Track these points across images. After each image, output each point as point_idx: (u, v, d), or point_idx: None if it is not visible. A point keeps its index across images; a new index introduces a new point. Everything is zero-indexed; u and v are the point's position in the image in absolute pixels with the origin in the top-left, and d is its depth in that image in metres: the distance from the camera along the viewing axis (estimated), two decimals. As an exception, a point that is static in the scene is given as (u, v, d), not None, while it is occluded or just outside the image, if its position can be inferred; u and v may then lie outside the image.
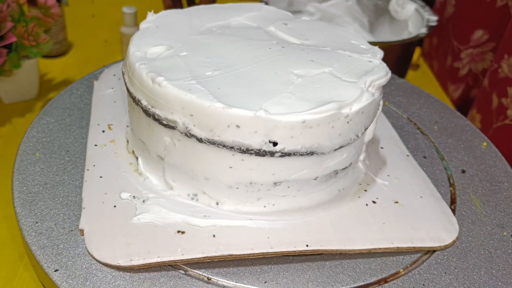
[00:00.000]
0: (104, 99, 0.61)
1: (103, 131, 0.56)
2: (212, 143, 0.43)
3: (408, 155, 0.58)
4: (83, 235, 0.44)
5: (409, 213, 0.50)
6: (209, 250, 0.43)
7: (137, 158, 0.51)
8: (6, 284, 0.48)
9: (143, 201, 0.47)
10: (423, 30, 0.79)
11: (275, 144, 0.42)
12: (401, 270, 0.45)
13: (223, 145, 0.42)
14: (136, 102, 0.46)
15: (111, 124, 0.57)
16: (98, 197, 0.47)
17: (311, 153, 0.44)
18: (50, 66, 0.82)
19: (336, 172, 0.48)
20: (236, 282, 0.42)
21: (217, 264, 0.44)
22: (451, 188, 0.55)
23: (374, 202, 0.50)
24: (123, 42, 0.83)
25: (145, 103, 0.45)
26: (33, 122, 0.57)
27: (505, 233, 0.50)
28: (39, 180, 0.49)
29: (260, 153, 0.43)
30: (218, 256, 0.43)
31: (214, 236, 0.44)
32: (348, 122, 0.44)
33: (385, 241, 0.46)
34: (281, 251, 0.44)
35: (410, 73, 0.92)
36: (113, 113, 0.58)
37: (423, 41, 0.81)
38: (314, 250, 0.45)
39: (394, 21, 0.89)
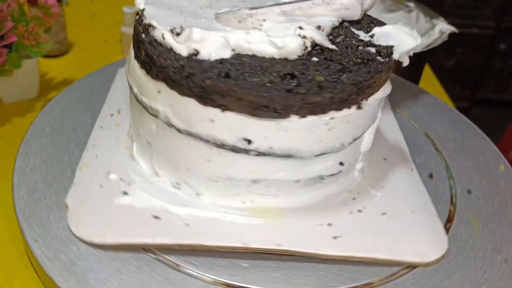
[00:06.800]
0: (123, 85, 0.60)
1: (112, 115, 0.57)
2: (190, 134, 0.43)
3: (412, 169, 0.55)
4: (67, 208, 0.45)
5: (394, 225, 0.47)
6: (180, 237, 0.44)
7: (133, 143, 0.52)
8: (6, 284, 0.48)
9: (128, 184, 0.48)
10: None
11: (249, 142, 0.42)
12: (376, 280, 0.43)
13: (200, 138, 0.43)
14: (130, 88, 0.48)
15: (121, 109, 0.58)
16: (88, 175, 0.49)
17: (289, 156, 0.43)
18: (50, 66, 0.82)
19: (321, 178, 0.47)
20: (203, 272, 0.43)
21: (189, 253, 0.44)
22: (451, 207, 0.52)
23: (359, 211, 0.48)
24: (124, 42, 0.83)
25: (135, 90, 0.46)
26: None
27: (499, 258, 0.47)
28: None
29: (235, 149, 0.43)
30: (188, 245, 0.43)
31: (188, 225, 0.45)
32: (329, 130, 0.43)
33: (361, 250, 0.44)
34: (251, 247, 0.44)
35: (410, 74, 0.92)
36: (126, 99, 0.57)
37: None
38: (285, 250, 0.44)
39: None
